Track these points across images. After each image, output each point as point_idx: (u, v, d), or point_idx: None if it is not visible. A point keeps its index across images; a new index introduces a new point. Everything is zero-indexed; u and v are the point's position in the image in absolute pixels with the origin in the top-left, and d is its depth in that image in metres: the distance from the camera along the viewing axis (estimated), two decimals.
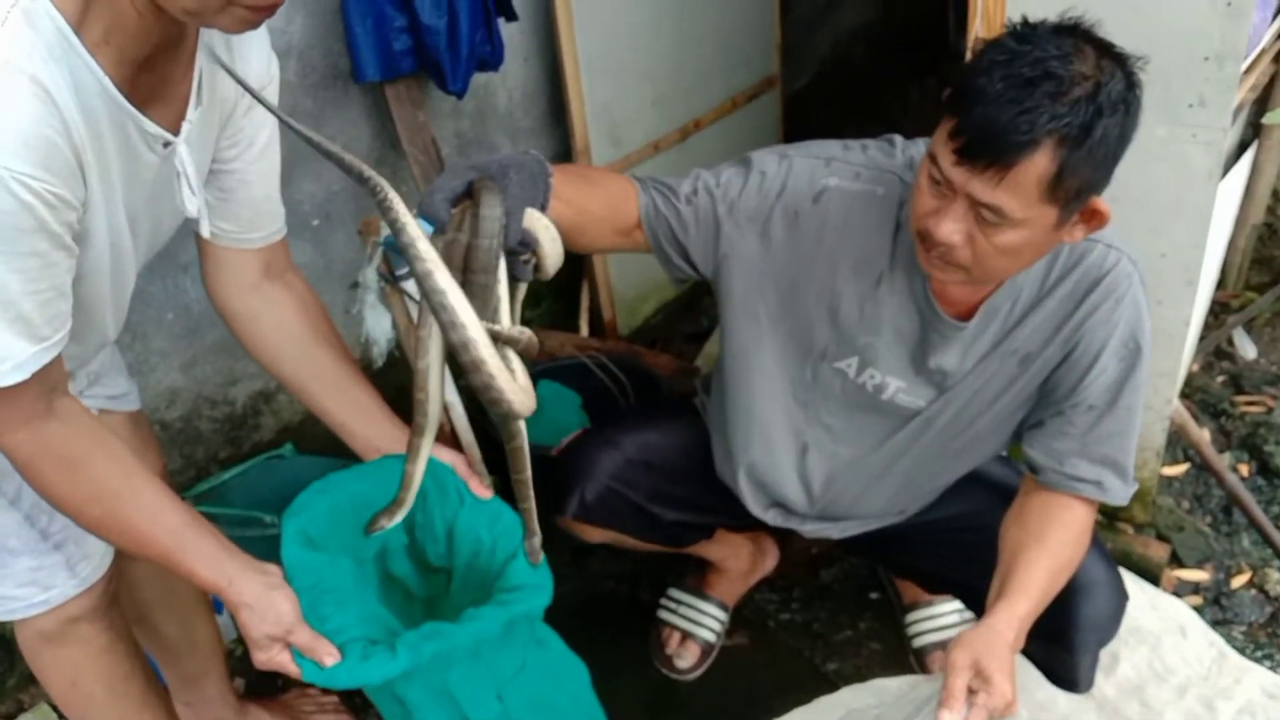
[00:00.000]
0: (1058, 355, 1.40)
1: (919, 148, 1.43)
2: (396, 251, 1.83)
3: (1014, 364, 1.43)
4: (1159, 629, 1.75)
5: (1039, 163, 1.14)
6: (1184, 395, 2.50)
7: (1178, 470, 2.37)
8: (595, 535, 1.76)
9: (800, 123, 3.64)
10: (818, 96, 4.00)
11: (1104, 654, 1.60)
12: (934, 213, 1.24)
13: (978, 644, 1.25)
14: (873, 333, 1.45)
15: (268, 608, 1.19)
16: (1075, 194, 1.19)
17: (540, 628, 1.47)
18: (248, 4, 0.97)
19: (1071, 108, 1.13)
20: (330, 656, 1.20)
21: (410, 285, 1.90)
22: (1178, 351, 1.88)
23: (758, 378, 1.57)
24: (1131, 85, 1.17)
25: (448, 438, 2.10)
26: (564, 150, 2.69)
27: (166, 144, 1.11)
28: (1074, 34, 1.17)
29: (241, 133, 1.24)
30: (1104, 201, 1.23)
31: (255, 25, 1.02)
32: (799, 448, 1.61)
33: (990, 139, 1.15)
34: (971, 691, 1.23)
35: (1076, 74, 1.14)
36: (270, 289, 1.37)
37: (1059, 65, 1.13)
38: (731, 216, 1.44)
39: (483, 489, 1.41)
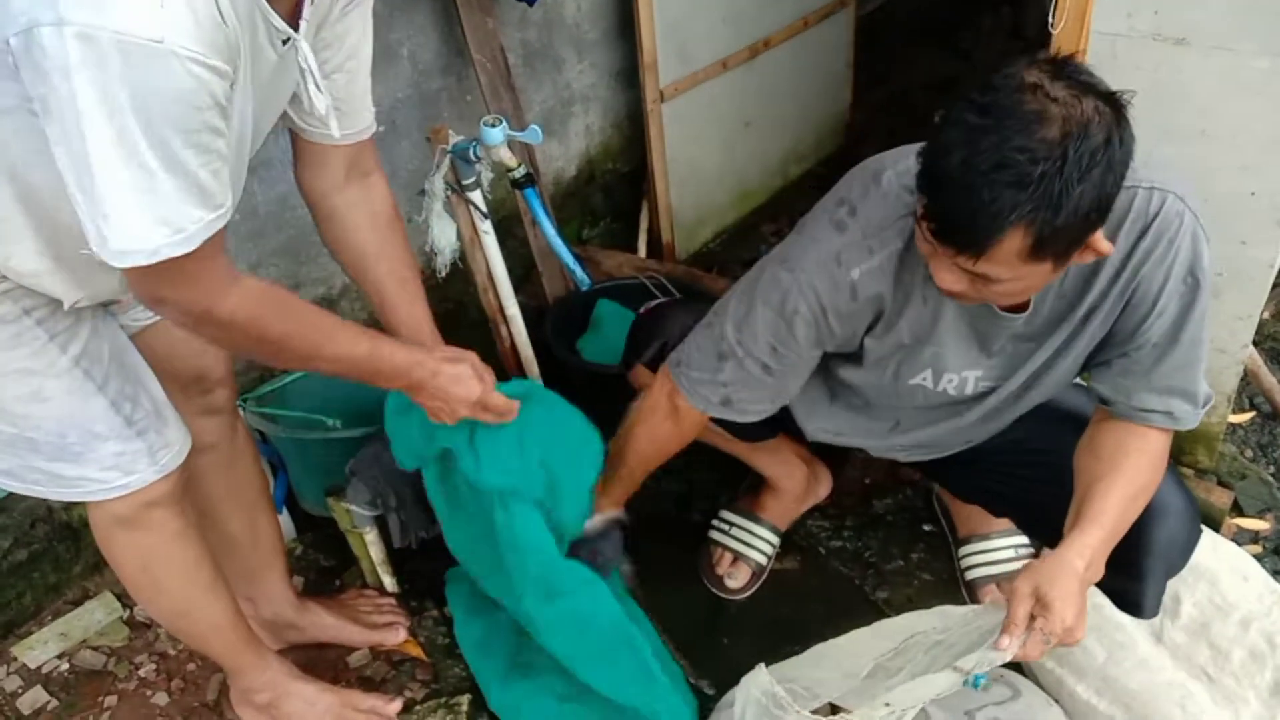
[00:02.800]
0: (1118, 304, 1.38)
1: (895, 173, 1.39)
2: (465, 160, 1.82)
3: (1079, 321, 1.42)
4: (1218, 568, 1.74)
5: (1013, 243, 1.13)
6: (1255, 343, 2.43)
7: (1244, 418, 2.33)
8: None
9: (871, 45, 3.54)
10: (889, 19, 3.88)
11: (1166, 597, 1.60)
12: (932, 258, 1.25)
13: (1042, 572, 1.26)
14: (935, 343, 1.47)
15: (467, 381, 1.46)
16: (1064, 249, 1.18)
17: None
18: None
19: (1035, 190, 1.09)
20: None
21: (476, 195, 1.89)
22: (1259, 294, 1.82)
23: (848, 389, 1.63)
24: (1110, 135, 1.11)
25: (507, 349, 2.11)
26: (630, 66, 2.64)
27: (285, 40, 1.13)
28: (1040, 90, 1.11)
29: (335, 33, 1.26)
30: (1103, 240, 1.21)
31: None
32: (892, 423, 1.67)
33: (957, 229, 1.16)
34: (1033, 618, 1.24)
35: (1040, 146, 1.09)
36: (351, 193, 1.43)
37: (1021, 143, 1.09)
38: (800, 356, 1.49)
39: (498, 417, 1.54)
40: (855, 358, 1.54)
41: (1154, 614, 1.56)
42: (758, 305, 1.45)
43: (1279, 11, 1.52)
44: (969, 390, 1.53)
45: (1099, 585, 1.54)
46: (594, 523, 1.66)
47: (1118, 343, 1.42)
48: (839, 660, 1.42)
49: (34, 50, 0.93)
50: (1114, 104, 1.13)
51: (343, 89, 1.32)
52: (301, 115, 1.33)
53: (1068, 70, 1.14)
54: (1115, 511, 1.34)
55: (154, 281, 1.09)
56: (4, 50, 0.96)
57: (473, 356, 1.48)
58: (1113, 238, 1.32)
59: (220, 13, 0.99)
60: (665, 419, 1.61)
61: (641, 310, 1.88)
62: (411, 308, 1.51)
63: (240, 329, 1.19)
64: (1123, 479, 1.37)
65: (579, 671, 1.61)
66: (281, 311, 1.24)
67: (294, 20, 1.14)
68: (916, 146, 1.24)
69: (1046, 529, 1.69)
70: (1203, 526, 1.85)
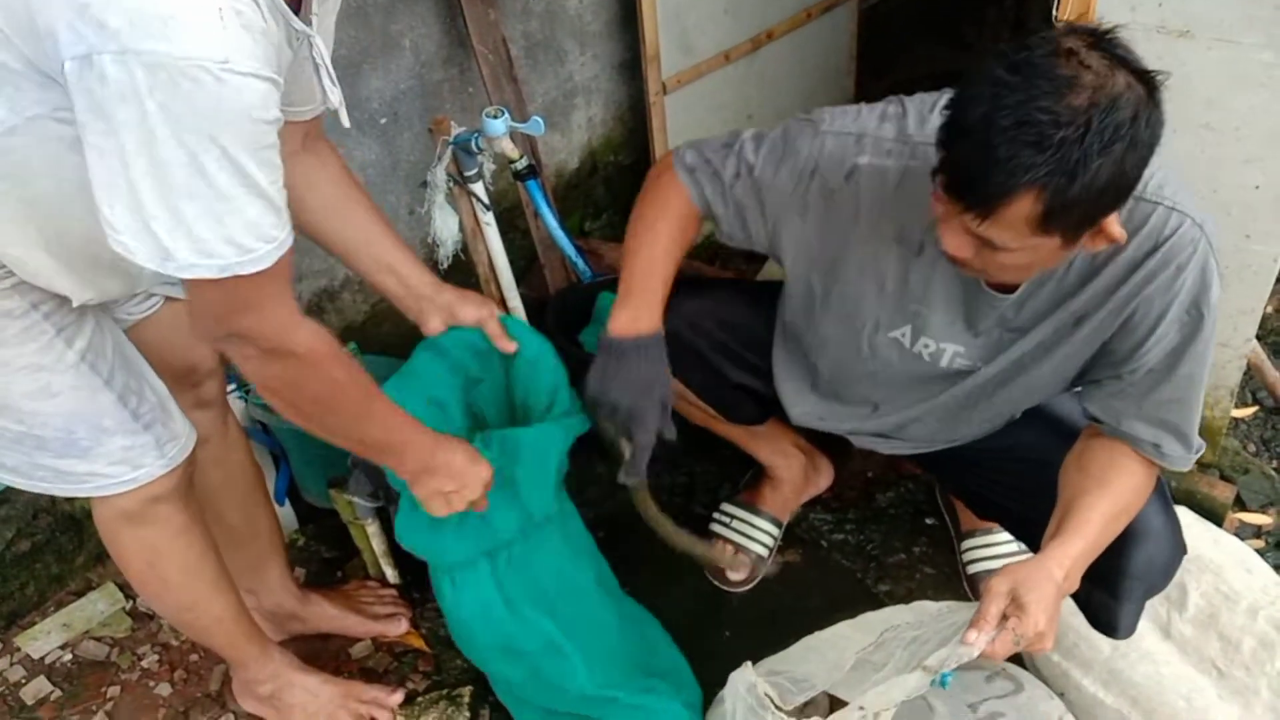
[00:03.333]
0: (1113, 321, 1.37)
1: (945, 102, 1.38)
2: (466, 151, 1.82)
3: (1069, 323, 1.41)
4: (1222, 560, 1.75)
5: (1022, 206, 1.11)
6: (1258, 337, 2.43)
7: (1247, 412, 2.33)
8: None
9: (874, 37, 3.53)
10: (892, 11, 3.87)
11: (1172, 588, 1.59)
12: (942, 221, 1.23)
13: (1019, 574, 1.25)
14: (920, 301, 1.45)
15: (474, 467, 1.45)
16: (1075, 225, 1.15)
17: (565, 504, 1.69)
18: None
19: (1053, 155, 1.07)
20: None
21: (478, 187, 1.88)
22: (1262, 289, 1.82)
23: (822, 348, 1.60)
24: (1138, 112, 1.09)
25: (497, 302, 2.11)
26: (632, 58, 2.64)
27: (298, 38, 1.13)
28: (1074, 57, 1.09)
29: (323, 24, 1.25)
30: (1117, 224, 1.18)
31: None
32: (870, 408, 1.65)
33: (970, 184, 1.13)
34: (1005, 618, 1.23)
35: (1065, 112, 1.07)
36: (305, 155, 1.42)
37: (1046, 105, 1.07)
38: (774, 196, 1.46)
39: (507, 343, 1.59)
40: (827, 292, 1.52)
41: (1129, 634, 1.54)
42: (780, 129, 1.48)
43: (1279, 4, 1.52)
44: (944, 363, 1.51)
45: (1077, 602, 1.55)
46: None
47: (1111, 363, 1.40)
48: (824, 652, 1.43)
49: (89, 77, 0.93)
50: (1147, 83, 1.11)
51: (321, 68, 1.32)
52: None
53: (1106, 42, 1.12)
54: (1097, 525, 1.33)
55: (230, 312, 1.10)
56: (53, 65, 0.96)
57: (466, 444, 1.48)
58: (1120, 247, 1.30)
59: (265, 21, 1.01)
60: (666, 204, 1.55)
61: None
62: (397, 246, 1.53)
63: (312, 367, 1.20)
64: (1108, 496, 1.36)
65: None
66: (342, 356, 1.25)
67: (296, 13, 1.14)
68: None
69: (1030, 537, 1.69)
70: (1205, 521, 1.87)
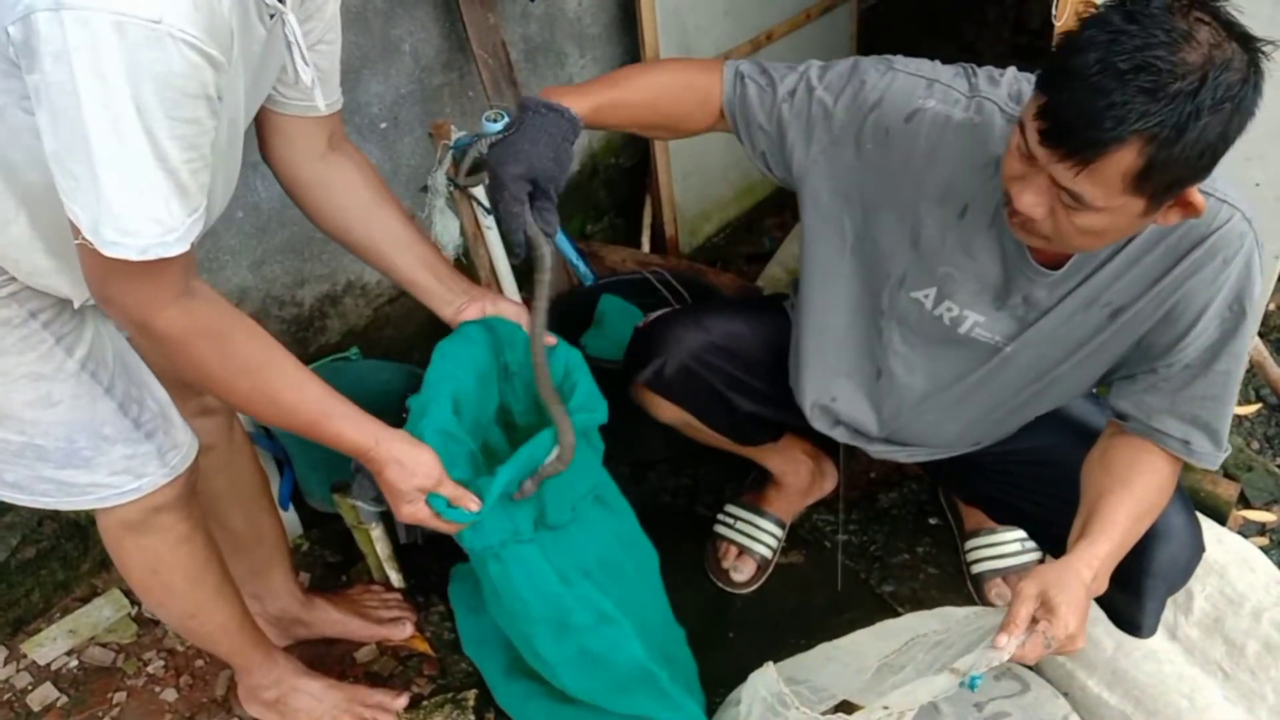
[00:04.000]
0: (1154, 312, 1.35)
1: (1025, 85, 1.37)
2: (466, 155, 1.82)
3: (1104, 315, 1.39)
4: (1225, 560, 1.74)
5: (1124, 158, 1.09)
6: (1260, 334, 2.43)
7: (1250, 410, 2.32)
8: (666, 412, 1.76)
9: (873, 38, 3.53)
10: (892, 12, 3.87)
11: (1179, 592, 1.59)
12: (1019, 179, 1.20)
13: (1049, 576, 1.24)
14: (952, 264, 1.42)
15: (417, 462, 1.32)
16: (1165, 188, 1.13)
17: (607, 487, 1.62)
18: None
19: (1167, 105, 1.05)
20: (474, 503, 1.35)
21: (479, 191, 1.88)
22: (1265, 287, 1.81)
23: (836, 293, 1.55)
24: (1248, 77, 1.08)
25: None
26: (632, 60, 2.64)
27: (272, 15, 1.12)
28: (1191, 13, 1.08)
29: (315, 4, 1.25)
30: (1199, 193, 1.17)
31: None
32: (873, 372, 1.59)
33: (1074, 129, 1.10)
34: (1035, 621, 1.22)
35: (1181, 65, 1.05)
36: (335, 157, 1.41)
37: (1163, 55, 1.05)
38: (827, 124, 1.41)
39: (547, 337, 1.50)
40: (858, 236, 1.49)
41: (1152, 633, 1.53)
42: (850, 60, 1.44)
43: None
44: (963, 329, 1.47)
45: (1098, 601, 1.52)
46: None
47: (1148, 356, 1.39)
48: (844, 660, 1.42)
49: (30, 37, 0.91)
50: (1253, 51, 1.10)
51: (325, 59, 1.31)
52: (280, 89, 1.30)
53: (1215, 6, 1.11)
54: (1124, 526, 1.31)
55: (107, 276, 1.06)
56: (4, 43, 0.94)
57: (428, 463, 1.34)
58: (1166, 236, 1.29)
59: None
60: (694, 73, 1.50)
61: (641, 323, 1.88)
62: (432, 245, 1.52)
63: (172, 348, 1.15)
64: (1133, 495, 1.34)
65: (596, 703, 1.59)
66: (218, 344, 1.17)
67: None
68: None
69: (1050, 539, 1.68)
70: (1208, 520, 1.86)
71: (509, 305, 1.54)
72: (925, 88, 1.37)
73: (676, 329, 1.71)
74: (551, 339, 1.51)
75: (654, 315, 1.85)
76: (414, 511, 1.34)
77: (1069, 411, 1.60)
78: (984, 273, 1.41)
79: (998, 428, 1.61)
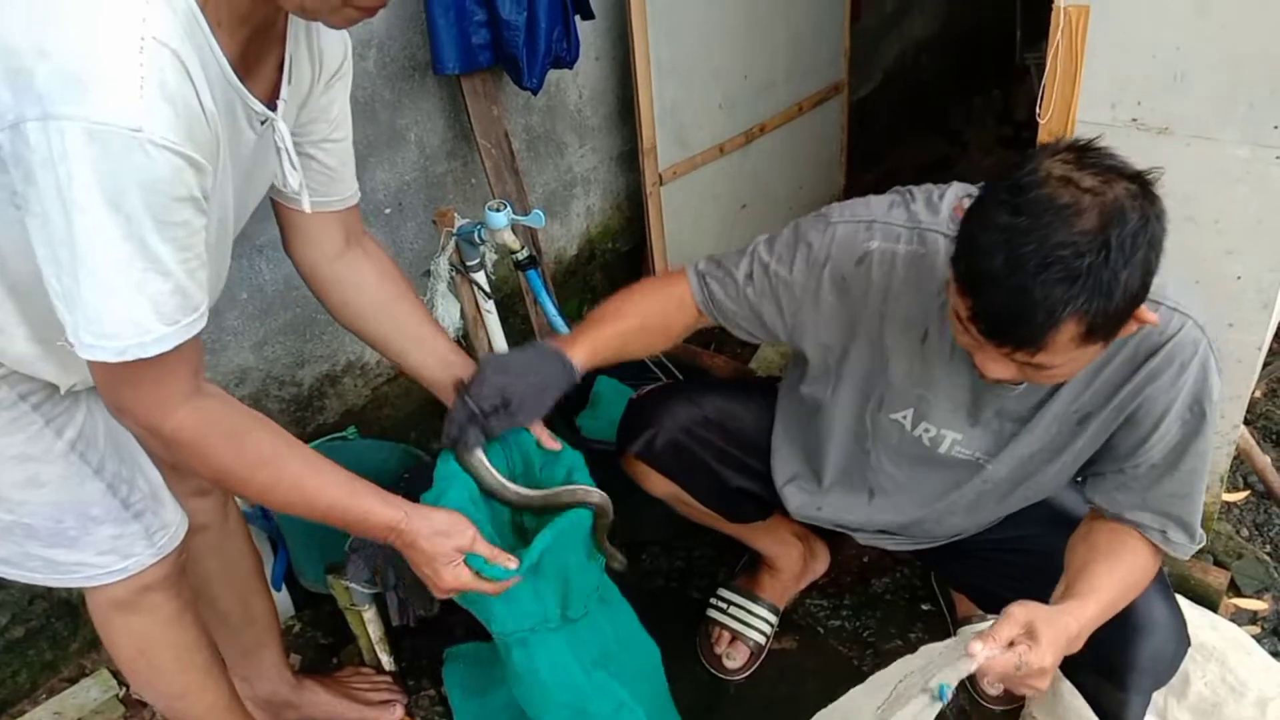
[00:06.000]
0: (1117, 417, 1.39)
1: (951, 196, 1.43)
2: (469, 242, 1.86)
3: (1073, 422, 1.44)
4: (1223, 646, 1.74)
5: (1067, 331, 1.14)
6: (1246, 421, 2.46)
7: (1238, 497, 2.34)
8: (657, 485, 1.78)
9: (864, 129, 3.63)
10: (882, 103, 3.99)
11: (1175, 676, 1.58)
12: (977, 350, 1.25)
13: (1039, 612, 1.23)
14: (923, 386, 1.48)
15: (452, 524, 1.33)
16: (1115, 328, 1.18)
17: (607, 588, 1.62)
18: (359, 5, 1.03)
19: (1085, 283, 1.10)
20: (512, 561, 1.36)
21: (480, 276, 1.93)
22: (1248, 376, 1.85)
23: (828, 429, 1.62)
24: (1145, 211, 1.12)
25: None
26: (630, 150, 2.71)
27: (263, 120, 1.15)
28: (1069, 179, 1.12)
29: (319, 106, 1.29)
30: (1148, 311, 1.22)
31: (357, 22, 1.08)
32: (866, 493, 1.65)
33: (1010, 329, 1.16)
34: (1012, 645, 1.21)
35: (1082, 239, 1.09)
36: (351, 255, 1.44)
37: (1061, 238, 1.09)
38: (789, 291, 1.50)
39: (552, 441, 1.55)
40: (839, 373, 1.55)
41: None
42: (790, 227, 1.52)
43: (1255, 102, 1.58)
44: (942, 449, 1.53)
45: (1084, 695, 1.54)
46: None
47: (1115, 457, 1.43)
48: None
49: (19, 145, 0.93)
50: (1143, 183, 1.14)
51: (334, 157, 1.34)
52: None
53: (1090, 157, 1.15)
54: (1109, 593, 1.33)
55: (115, 384, 1.08)
56: None
57: (461, 523, 1.35)
58: (1122, 347, 1.34)
59: (200, 102, 0.99)
60: (665, 286, 1.61)
61: (635, 395, 1.91)
62: (447, 338, 1.54)
63: (184, 451, 1.14)
64: (1118, 568, 1.36)
65: None
66: (232, 440, 1.17)
67: (272, 99, 1.16)
68: (970, 186, 1.28)
69: None
70: (1200, 607, 1.87)
71: None
72: (866, 230, 1.45)
73: (669, 402, 1.75)
74: (556, 444, 1.55)
75: (648, 388, 1.88)
76: (457, 574, 1.32)
77: (1054, 501, 1.63)
78: (954, 392, 1.47)
79: (979, 523, 1.65)
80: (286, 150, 1.19)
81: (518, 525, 1.60)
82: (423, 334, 1.50)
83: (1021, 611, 1.22)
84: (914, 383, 1.48)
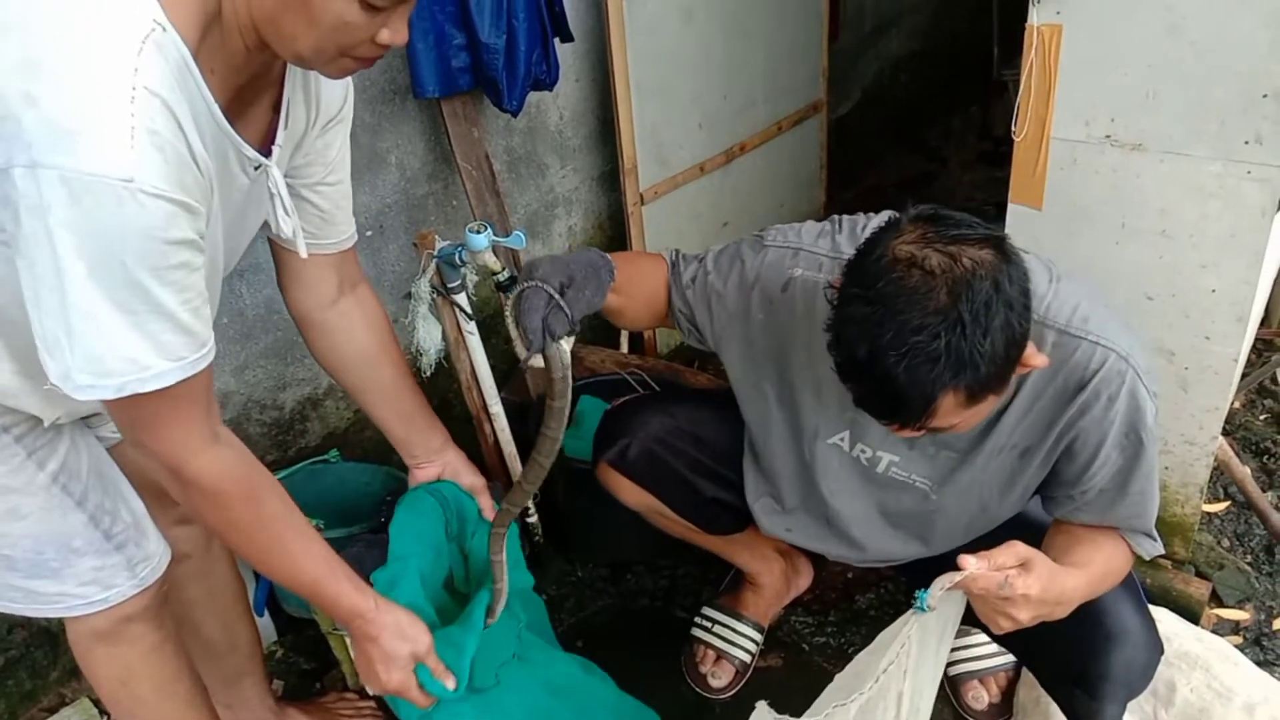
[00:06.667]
0: (1056, 448, 1.42)
1: (875, 224, 1.43)
2: (450, 264, 1.86)
3: (1014, 457, 1.46)
4: (1208, 655, 1.75)
5: (949, 400, 1.15)
6: (1226, 432, 2.48)
7: (1218, 507, 2.35)
8: (631, 494, 1.79)
9: (843, 146, 3.66)
10: (860, 121, 4.01)
11: (1159, 683, 1.59)
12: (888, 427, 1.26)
13: (1041, 554, 1.23)
14: (856, 410, 1.47)
15: (416, 629, 1.37)
16: (1001, 384, 1.19)
17: (530, 645, 1.63)
18: (357, 55, 1.05)
19: (949, 359, 1.11)
20: (450, 680, 1.39)
21: (461, 298, 1.93)
22: (1225, 388, 1.87)
23: (775, 446, 1.65)
24: (995, 270, 1.12)
25: (490, 446, 2.13)
26: (611, 170, 2.72)
27: (256, 166, 1.15)
28: (914, 258, 1.13)
29: (315, 150, 1.30)
30: (1035, 355, 1.23)
31: (354, 72, 1.10)
32: (825, 520, 1.68)
33: (891, 413, 1.18)
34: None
35: (934, 318, 1.10)
36: (344, 304, 1.46)
37: (916, 321, 1.10)
38: (721, 304, 1.54)
39: (490, 511, 1.61)
40: (782, 403, 1.58)
41: None
42: (734, 243, 1.57)
43: (1226, 119, 1.60)
44: (880, 469, 1.56)
45: (1060, 706, 1.57)
46: None
47: (1063, 483, 1.45)
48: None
49: (8, 188, 0.93)
50: (993, 244, 1.15)
51: (329, 200, 1.35)
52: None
53: (934, 231, 1.15)
54: (1096, 569, 1.35)
55: (131, 424, 1.09)
56: None
57: (421, 629, 1.39)
58: (1051, 381, 1.36)
59: (190, 149, 1.00)
60: (651, 261, 1.63)
61: (610, 406, 1.92)
62: (418, 398, 1.57)
63: (200, 494, 1.16)
64: (1101, 550, 1.40)
65: None
66: (247, 496, 1.20)
67: (265, 143, 1.17)
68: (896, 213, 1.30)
69: (1011, 641, 1.70)
70: (1183, 620, 1.88)
71: (468, 476, 1.62)
72: (792, 257, 1.48)
73: (643, 412, 1.77)
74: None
75: (623, 399, 1.88)
76: (403, 679, 1.37)
77: (1029, 514, 1.64)
78: None
79: (946, 547, 1.66)
80: (280, 197, 1.20)
81: (453, 587, 1.64)
82: (390, 389, 1.54)
83: (1022, 548, 1.22)
84: (846, 405, 1.46)
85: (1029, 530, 1.56)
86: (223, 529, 1.23)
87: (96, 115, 0.92)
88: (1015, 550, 1.21)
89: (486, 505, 1.62)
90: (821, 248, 1.47)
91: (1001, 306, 1.12)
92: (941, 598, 1.20)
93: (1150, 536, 1.45)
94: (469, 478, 1.63)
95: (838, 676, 1.34)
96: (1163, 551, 1.47)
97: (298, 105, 1.21)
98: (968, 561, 1.16)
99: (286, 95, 1.18)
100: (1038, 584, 1.19)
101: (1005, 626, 1.23)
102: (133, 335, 1.00)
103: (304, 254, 1.29)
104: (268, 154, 1.16)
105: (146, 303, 0.99)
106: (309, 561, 1.29)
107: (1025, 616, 1.21)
